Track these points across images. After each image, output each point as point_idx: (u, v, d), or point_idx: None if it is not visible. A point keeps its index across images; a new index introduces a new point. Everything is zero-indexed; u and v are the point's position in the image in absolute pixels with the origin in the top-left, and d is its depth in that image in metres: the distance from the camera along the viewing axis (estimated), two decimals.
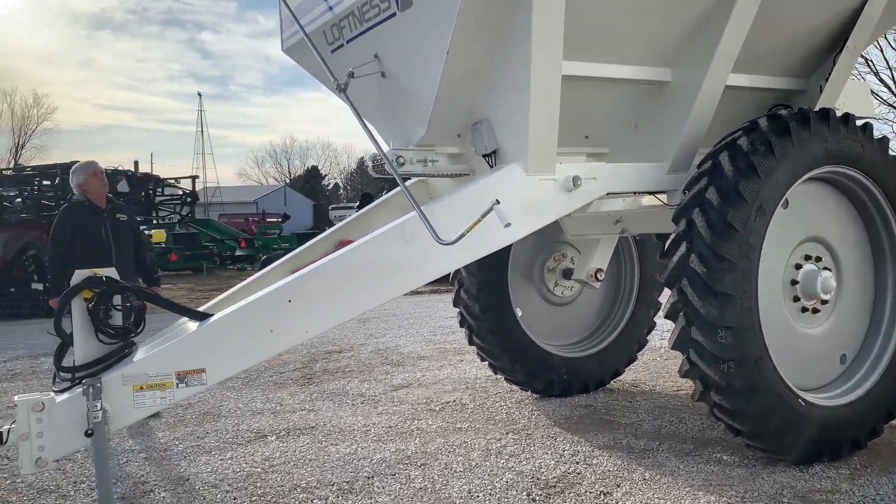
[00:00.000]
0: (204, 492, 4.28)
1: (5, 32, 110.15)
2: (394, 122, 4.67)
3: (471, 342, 6.07)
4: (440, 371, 7.45)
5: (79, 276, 3.67)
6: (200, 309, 4.13)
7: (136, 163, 29.67)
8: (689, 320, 4.06)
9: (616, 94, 4.69)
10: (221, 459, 4.85)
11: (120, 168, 18.22)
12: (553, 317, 6.40)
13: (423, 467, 4.56)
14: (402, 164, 4.29)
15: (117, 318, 3.73)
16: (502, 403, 6.08)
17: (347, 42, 4.59)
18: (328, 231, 5.21)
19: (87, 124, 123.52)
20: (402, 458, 4.75)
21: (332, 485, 4.30)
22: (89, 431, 3.37)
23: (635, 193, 4.93)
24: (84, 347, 3.65)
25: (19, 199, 17.02)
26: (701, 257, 4.00)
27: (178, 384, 3.62)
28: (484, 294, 5.84)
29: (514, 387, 6.32)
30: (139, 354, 3.71)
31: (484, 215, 3.65)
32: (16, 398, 3.44)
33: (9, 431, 3.42)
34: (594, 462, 4.56)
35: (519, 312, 6.12)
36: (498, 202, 3.67)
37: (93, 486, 4.44)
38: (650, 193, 4.85)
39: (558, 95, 4.01)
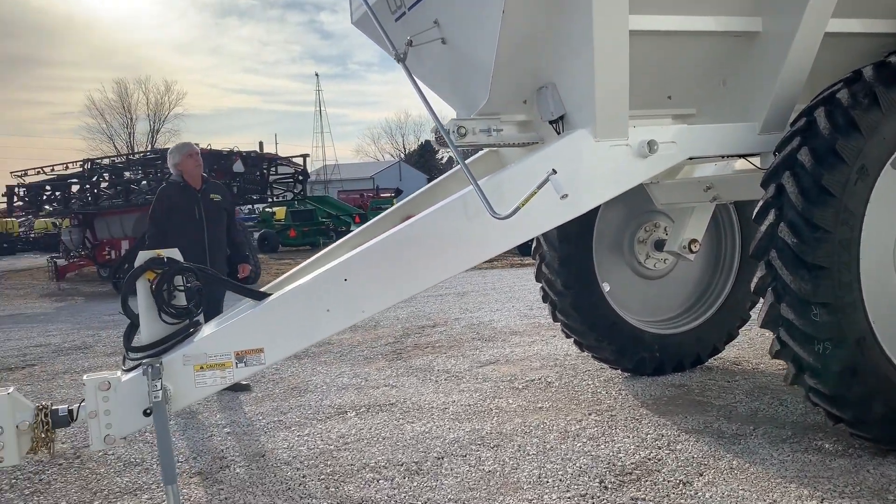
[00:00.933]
0: (276, 469, 4.31)
1: (141, 24, 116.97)
2: (458, 90, 4.47)
3: (555, 318, 5.83)
4: (530, 347, 7.24)
5: (142, 257, 3.72)
6: (264, 288, 4.12)
7: (260, 143, 30.83)
8: (779, 296, 3.68)
9: (699, 49, 4.29)
10: (299, 435, 4.89)
11: (235, 149, 18.87)
12: (644, 291, 6.05)
13: (495, 448, 4.41)
14: (464, 134, 4.09)
15: (182, 299, 3.77)
16: (589, 382, 5.83)
17: (409, 9, 4.41)
18: (395, 206, 5.10)
19: (216, 108, 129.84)
20: (476, 438, 4.62)
21: (401, 465, 4.23)
22: (148, 411, 3.42)
23: (723, 157, 4.51)
24: (149, 328, 3.70)
25: (145, 182, 17.98)
26: (791, 226, 3.60)
27: (237, 364, 3.62)
28: (566, 268, 5.57)
29: (604, 365, 6.04)
30: (203, 334, 3.73)
31: (540, 186, 3.41)
32: (84, 377, 3.53)
33: (78, 409, 3.53)
34: (678, 447, 4.26)
35: (606, 287, 5.82)
36: (554, 172, 3.41)
37: (177, 460, 4.57)
38: (740, 157, 4.42)
39: (626, 53, 3.69)
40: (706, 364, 6.09)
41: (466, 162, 5.03)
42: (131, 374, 3.60)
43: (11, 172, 19.85)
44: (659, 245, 5.91)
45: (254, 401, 5.87)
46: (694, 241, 5.57)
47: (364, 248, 3.77)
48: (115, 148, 60.31)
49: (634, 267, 6.01)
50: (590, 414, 5.00)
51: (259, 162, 19.46)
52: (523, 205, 3.41)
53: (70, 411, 3.51)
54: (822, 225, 3.53)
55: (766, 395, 5.15)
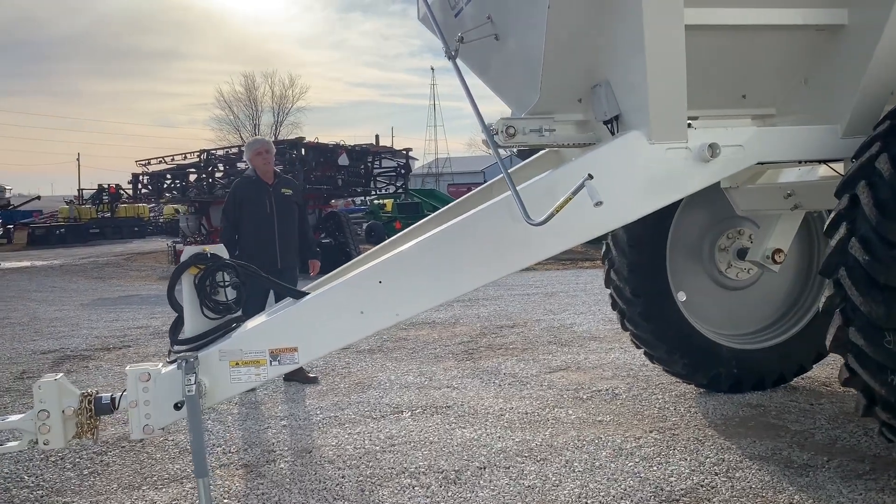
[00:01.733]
0: (319, 466, 4.32)
1: (269, 20, 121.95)
2: (511, 89, 4.30)
3: (624, 327, 5.57)
4: (606, 355, 6.97)
5: (187, 252, 3.79)
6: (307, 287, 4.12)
7: (376, 136, 31.43)
8: (848, 319, 3.32)
9: (776, 45, 3.94)
10: (350, 433, 4.88)
11: (341, 143, 19.31)
12: (724, 303, 5.67)
13: (541, 462, 4.24)
14: (513, 134, 3.91)
15: (229, 294, 3.82)
16: (659, 396, 5.53)
17: (466, 4, 4.28)
18: (451, 203, 4.98)
19: (337, 101, 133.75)
20: (524, 449, 4.46)
21: (441, 472, 4.14)
22: (178, 405, 3.48)
23: (800, 163, 4.12)
24: (192, 322, 3.77)
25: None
26: (864, 242, 3.24)
27: (271, 362, 3.62)
28: (636, 275, 5.30)
29: (678, 379, 5.71)
30: (243, 330, 3.77)
31: (576, 192, 3.22)
32: (127, 368, 3.64)
33: (120, 398, 3.64)
34: (737, 475, 3.95)
35: (682, 297, 5.49)
36: (590, 177, 3.21)
37: (227, 449, 4.67)
38: (820, 162, 4.03)
39: (681, 49, 3.42)
40: (791, 384, 5.65)
41: (528, 162, 4.88)
42: (171, 367, 3.67)
43: (136, 161, 21.12)
44: (742, 253, 5.52)
45: (318, 394, 5.93)
46: (778, 251, 5.16)
47: (401, 249, 3.69)
48: (242, 139, 63.19)
49: (714, 276, 5.64)
50: (651, 431, 4.73)
51: (363, 156, 19.81)
52: (558, 210, 3.22)
53: (113, 399, 3.62)
54: None
55: (851, 423, 4.71)
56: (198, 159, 19.93)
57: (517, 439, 4.63)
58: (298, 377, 6.54)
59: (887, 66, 3.66)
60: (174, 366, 3.67)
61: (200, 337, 3.74)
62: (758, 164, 3.80)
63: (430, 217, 4.71)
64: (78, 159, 76.38)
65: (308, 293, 3.79)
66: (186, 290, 3.77)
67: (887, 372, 3.22)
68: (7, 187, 37.93)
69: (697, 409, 5.18)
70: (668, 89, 3.49)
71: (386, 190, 21.17)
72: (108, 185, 33.95)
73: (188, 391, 3.53)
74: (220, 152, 19.91)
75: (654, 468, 4.08)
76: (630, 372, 6.27)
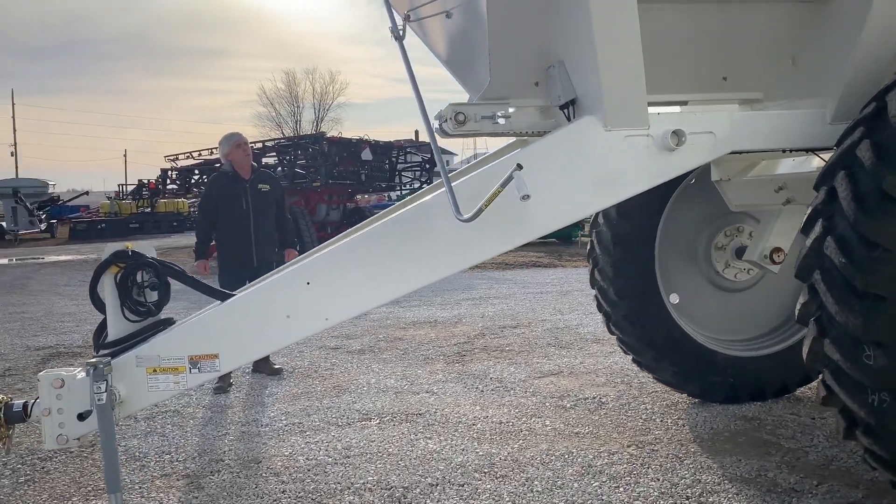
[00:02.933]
0: (262, 479, 4.04)
1: (313, 17, 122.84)
2: (468, 72, 3.94)
3: (610, 331, 5.17)
4: (605, 359, 6.56)
5: (109, 249, 3.54)
6: None
7: (416, 132, 31.13)
8: (823, 329, 2.91)
9: (757, 20, 3.53)
10: (308, 442, 4.60)
11: (365, 137, 19.07)
12: (722, 306, 5.23)
13: (500, 479, 3.89)
14: (463, 121, 3.56)
15: (153, 296, 3.56)
16: (647, 406, 5.12)
17: None
18: (407, 198, 4.65)
19: (378, 98, 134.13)
20: (486, 464, 4.12)
21: (388, 489, 3.82)
22: (83, 415, 3.22)
23: (784, 151, 3.68)
24: (115, 324, 3.52)
25: (280, 168, 18.57)
26: (841, 242, 2.82)
27: (190, 369, 3.34)
28: (621, 275, 4.89)
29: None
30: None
31: (504, 184, 2.87)
32: (40, 374, 3.40)
33: (33, 405, 3.40)
34: (710, 500, 3.55)
35: (674, 299, 5.08)
36: (520, 167, 2.86)
37: (175, 457, 4.42)
38: (805, 151, 3.60)
39: (635, 22, 3.03)
40: (794, 394, 5.19)
41: (495, 152, 4.52)
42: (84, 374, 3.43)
43: (165, 156, 21.22)
44: (741, 252, 5.08)
45: (290, 398, 5.66)
46: (778, 250, 4.70)
47: (331, 248, 3.38)
48: (283, 135, 63.51)
49: (710, 277, 5.20)
50: (628, 446, 4.34)
51: (387, 150, 19.54)
52: (487, 205, 2.88)
53: (25, 406, 3.39)
54: (881, 242, 2.72)
55: (852, 442, 4.24)
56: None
57: (481, 453, 4.29)
58: (264, 368, 6.33)
59: (879, 43, 3.22)
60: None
61: (122, 341, 3.49)
62: (732, 153, 3.38)
63: (380, 213, 4.39)
64: (125, 155, 77.89)
65: (232, 294, 3.50)
66: (108, 290, 3.52)
67: (867, 391, 2.80)
68: (51, 182, 38.71)
69: (686, 420, 4.77)
70: (623, 69, 3.12)
71: (411, 185, 20.85)
72: (148, 180, 34.42)
73: (97, 400, 3.27)
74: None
75: (621, 489, 3.71)
76: (625, 378, 5.86)
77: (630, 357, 5.19)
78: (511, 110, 3.65)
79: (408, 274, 3.24)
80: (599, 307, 5.15)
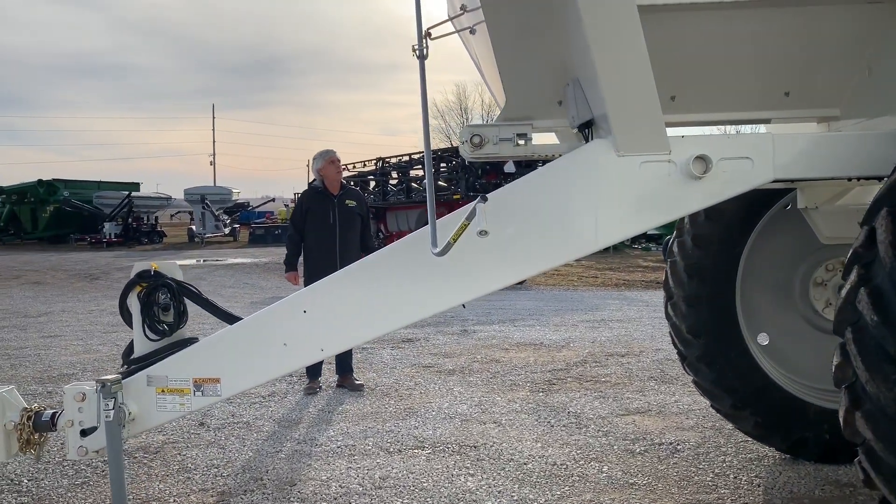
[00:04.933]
0: None
1: None
2: (495, 90, 3.69)
3: (686, 371, 4.67)
4: (704, 398, 5.95)
5: (136, 268, 3.65)
6: None
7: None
8: (856, 400, 2.39)
9: (824, 26, 3.01)
10: (350, 468, 4.51)
11: None
12: (819, 350, 4.52)
13: None
14: (480, 144, 3.32)
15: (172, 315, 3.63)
16: (726, 459, 4.57)
17: None
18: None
19: None
20: None
21: None
22: (85, 431, 3.32)
23: (850, 180, 3.09)
24: (140, 341, 3.62)
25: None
26: (876, 295, 2.31)
27: (194, 392, 3.37)
28: (695, 311, 4.40)
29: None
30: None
31: (469, 217, 2.61)
32: (65, 387, 3.55)
33: (59, 416, 3.56)
34: None
35: (763, 339, 4.51)
36: (485, 199, 2.59)
37: (220, 472, 4.50)
38: (872, 180, 3.01)
39: (638, 33, 2.66)
40: None
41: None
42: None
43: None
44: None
45: (356, 417, 5.62)
46: None
47: (330, 277, 3.27)
48: (451, 145, 64.68)
49: (808, 317, 4.55)
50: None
51: (532, 164, 19.29)
52: (455, 239, 2.64)
53: (53, 416, 3.55)
54: None
55: None
56: (374, 167, 20.57)
57: (516, 497, 4.00)
58: (346, 384, 6.39)
59: None
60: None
61: (143, 359, 3.58)
62: (775, 181, 2.90)
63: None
64: (308, 165, 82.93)
65: (240, 318, 3.49)
66: (133, 308, 3.63)
67: None
68: (235, 190, 41.97)
69: (763, 480, 4.20)
70: (629, 87, 2.77)
71: None
72: None
73: (105, 417, 3.37)
74: (393, 160, 20.36)
75: None
76: (716, 423, 5.28)
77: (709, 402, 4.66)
78: (532, 132, 3.37)
79: (392, 309, 3.07)
80: (674, 344, 4.67)
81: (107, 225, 34.79)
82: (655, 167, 2.87)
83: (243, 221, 41.26)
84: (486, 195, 2.63)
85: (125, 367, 3.59)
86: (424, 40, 3.42)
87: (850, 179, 2.99)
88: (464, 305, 5.90)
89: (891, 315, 2.25)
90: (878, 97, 3.02)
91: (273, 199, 59.33)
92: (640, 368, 7.18)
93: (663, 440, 4.94)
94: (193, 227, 37.20)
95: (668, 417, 5.49)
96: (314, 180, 6.69)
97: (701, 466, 4.45)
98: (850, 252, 2.50)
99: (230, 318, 3.54)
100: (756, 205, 4.32)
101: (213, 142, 69.29)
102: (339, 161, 6.46)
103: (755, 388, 4.38)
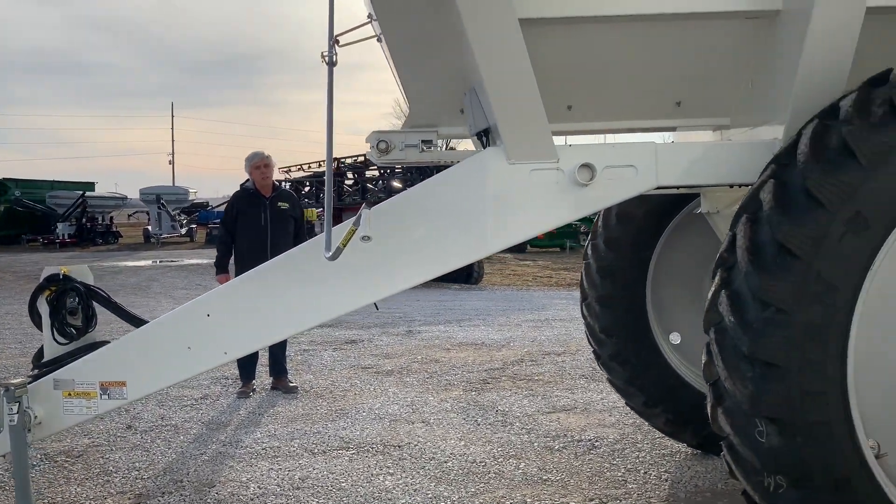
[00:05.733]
0: None
1: None
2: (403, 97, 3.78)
3: (601, 369, 4.81)
4: None
5: (45, 272, 3.66)
6: None
7: None
8: (718, 397, 2.52)
9: (708, 39, 3.13)
10: (272, 469, 4.56)
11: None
12: None
13: None
14: (386, 150, 3.40)
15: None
16: (642, 454, 4.72)
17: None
18: None
19: None
20: None
21: None
22: None
23: (732, 187, 3.23)
24: (49, 344, 3.63)
25: (380, 182, 18.93)
26: (733, 298, 2.44)
27: (101, 395, 3.40)
28: (607, 310, 4.53)
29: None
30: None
31: (356, 222, 2.70)
32: None
33: None
34: None
35: (675, 339, 4.65)
36: (368, 207, 2.67)
37: (141, 475, 4.51)
38: (740, 186, 3.15)
39: (520, 43, 2.75)
40: None
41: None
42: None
43: (280, 168, 22.16)
44: None
45: (288, 419, 5.66)
46: None
47: (231, 281, 3.33)
48: None
49: None
50: (590, 500, 4.00)
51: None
52: (344, 244, 2.72)
53: None
54: (774, 301, 2.32)
55: None
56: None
57: (430, 495, 4.09)
58: (280, 386, 6.41)
59: (827, 63, 2.77)
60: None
61: (52, 362, 3.59)
62: (658, 188, 3.03)
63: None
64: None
65: (146, 321, 3.52)
66: (43, 312, 3.64)
67: (761, 473, 2.40)
68: (192, 190, 41.49)
69: (672, 475, 4.34)
70: (515, 97, 2.86)
71: None
72: None
73: (9, 421, 3.37)
74: (349, 160, 20.35)
75: None
76: (636, 420, 5.42)
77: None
78: (439, 139, 3.46)
79: (288, 315, 3.14)
80: (590, 343, 4.80)
81: (60, 225, 34.15)
82: (545, 175, 2.98)
83: (202, 221, 40.75)
84: (371, 201, 2.70)
85: (35, 370, 3.61)
86: (334, 47, 3.51)
87: (731, 186, 3.14)
88: (376, 307, 5.96)
89: (746, 317, 2.37)
90: (760, 108, 3.16)
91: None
92: (574, 367, 7.33)
93: (583, 437, 5.07)
94: (149, 228, 36.70)
95: (591, 415, 5.63)
96: (247, 181, 6.70)
97: (615, 462, 4.58)
98: (717, 256, 2.62)
99: (137, 322, 3.57)
100: (665, 209, 4.46)
101: (172, 140, 68.00)
102: (266, 166, 6.39)
103: (667, 386, 4.52)
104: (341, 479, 4.36)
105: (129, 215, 49.87)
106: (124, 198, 40.94)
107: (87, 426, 5.44)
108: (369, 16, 3.54)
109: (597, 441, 4.97)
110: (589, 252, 4.64)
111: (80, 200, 35.15)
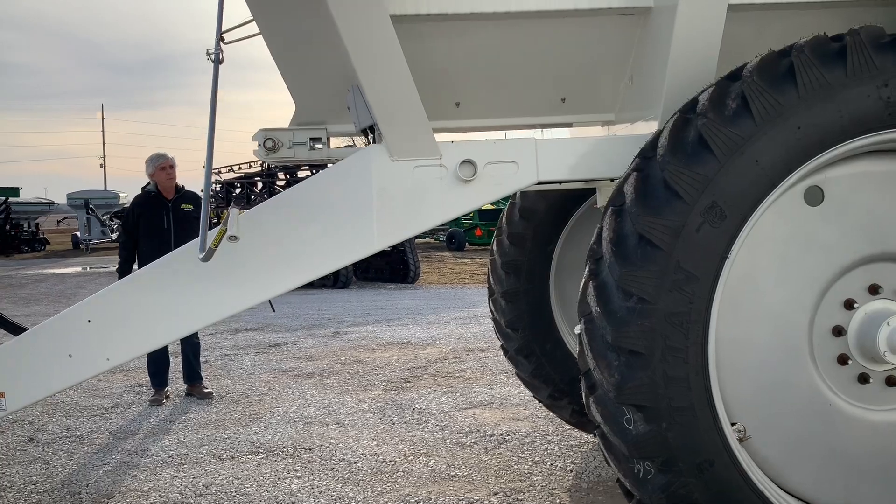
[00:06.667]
0: None
1: None
2: None
3: (508, 362, 4.85)
4: None
5: None
6: None
7: None
8: (590, 387, 2.57)
9: (587, 37, 3.19)
10: (176, 477, 4.46)
11: None
12: None
13: None
14: (273, 148, 3.36)
15: None
16: (551, 447, 4.78)
17: None
18: None
19: None
20: None
21: None
22: None
23: (613, 181, 3.31)
24: None
25: None
26: (600, 288, 2.49)
27: None
28: (512, 305, 4.56)
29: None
30: None
31: (226, 222, 2.66)
32: None
33: None
34: None
35: (578, 329, 4.70)
36: (235, 207, 2.64)
37: (37, 489, 4.36)
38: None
39: (394, 40, 2.75)
40: None
41: None
42: None
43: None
44: None
45: (199, 425, 5.55)
46: None
47: (114, 284, 3.24)
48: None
49: None
50: (495, 493, 4.03)
51: None
52: (216, 245, 2.67)
53: None
54: (636, 291, 2.37)
55: None
56: (260, 168, 20.27)
57: (335, 496, 4.06)
58: (195, 392, 6.30)
59: (693, 57, 2.85)
60: None
61: None
62: (539, 183, 3.06)
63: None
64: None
65: (26, 329, 3.40)
66: None
67: (631, 460, 2.44)
68: (122, 193, 40.34)
69: (577, 466, 4.41)
70: (392, 93, 2.85)
71: None
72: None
73: None
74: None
75: None
76: (550, 413, 5.49)
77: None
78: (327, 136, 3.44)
79: (167, 321, 3.07)
80: (497, 338, 4.84)
81: None
82: (428, 171, 2.98)
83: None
84: (238, 201, 2.66)
85: None
86: (218, 44, 3.45)
87: (612, 181, 3.19)
88: (272, 308, 5.88)
89: (609, 305, 2.42)
90: (638, 104, 3.23)
91: None
92: (496, 363, 7.37)
93: (495, 431, 5.11)
94: (78, 234, 35.57)
95: (506, 409, 5.68)
96: (148, 184, 6.52)
97: (523, 455, 4.63)
98: (588, 249, 2.67)
99: (17, 330, 3.45)
100: (566, 204, 4.52)
101: (103, 143, 66.01)
102: (172, 167, 6.21)
103: (571, 378, 4.56)
104: (246, 485, 4.30)
105: (59, 221, 48.27)
106: (51, 203, 39.57)
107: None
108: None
109: (508, 435, 5.02)
110: (494, 248, 4.67)
111: (3, 206, 33.85)
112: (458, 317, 10.67)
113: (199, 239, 3.03)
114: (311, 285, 16.21)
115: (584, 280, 2.61)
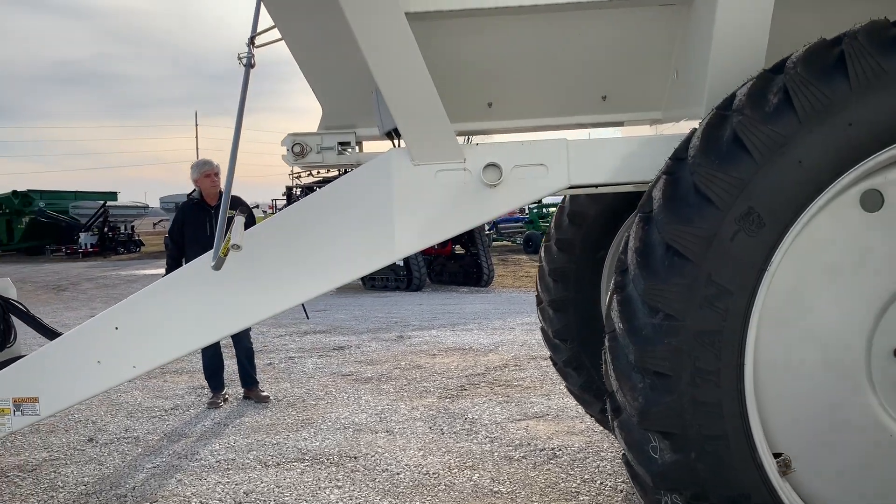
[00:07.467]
0: None
1: None
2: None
3: (558, 374, 4.64)
4: None
5: None
6: None
7: None
8: (615, 409, 2.36)
9: (630, 30, 2.97)
10: (218, 483, 4.46)
11: None
12: None
13: None
14: (301, 153, 3.27)
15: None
16: (601, 464, 4.54)
17: None
18: None
19: None
20: None
21: None
22: None
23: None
24: None
25: None
26: (624, 304, 2.28)
27: (14, 411, 3.31)
28: (560, 315, 4.36)
29: None
30: None
31: (227, 230, 2.58)
32: None
33: None
34: None
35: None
36: (241, 213, 2.55)
37: (87, 490, 4.43)
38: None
39: (410, 39, 2.61)
40: None
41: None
42: None
43: (290, 174, 22.20)
44: None
45: (251, 430, 5.56)
46: None
47: (141, 291, 3.22)
48: None
49: None
50: None
51: None
52: (225, 253, 2.60)
53: None
54: (661, 306, 2.15)
55: None
56: (338, 172, 20.54)
57: None
58: (252, 396, 6.33)
59: (738, 49, 2.60)
60: None
61: None
62: (570, 187, 2.86)
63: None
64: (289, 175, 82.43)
65: (59, 334, 3.43)
66: None
67: (658, 491, 2.22)
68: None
69: (628, 486, 4.16)
70: (412, 96, 2.72)
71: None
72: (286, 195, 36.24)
73: None
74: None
75: None
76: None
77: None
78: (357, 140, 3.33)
79: (202, 323, 3.02)
80: (546, 348, 4.64)
81: (82, 235, 34.56)
82: (451, 175, 2.83)
83: None
84: (246, 208, 2.58)
85: None
86: (250, 48, 3.39)
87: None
88: (307, 315, 5.81)
89: (634, 322, 2.21)
90: (684, 99, 2.99)
91: (257, 206, 59.12)
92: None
93: (547, 446, 4.90)
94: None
95: (561, 422, 5.45)
96: (193, 191, 6.58)
97: (572, 472, 4.41)
98: (618, 259, 2.46)
99: (52, 335, 3.49)
100: (618, 208, 4.27)
101: (197, 149, 68.66)
102: (217, 174, 6.21)
103: None
104: (286, 493, 4.24)
105: (155, 224, 50.46)
106: (146, 206, 41.34)
107: (48, 439, 5.41)
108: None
109: (559, 450, 4.80)
110: (542, 254, 4.47)
111: (102, 210, 35.56)
112: (524, 322, 10.45)
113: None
114: (384, 287, 16.28)
115: (609, 293, 2.40)
